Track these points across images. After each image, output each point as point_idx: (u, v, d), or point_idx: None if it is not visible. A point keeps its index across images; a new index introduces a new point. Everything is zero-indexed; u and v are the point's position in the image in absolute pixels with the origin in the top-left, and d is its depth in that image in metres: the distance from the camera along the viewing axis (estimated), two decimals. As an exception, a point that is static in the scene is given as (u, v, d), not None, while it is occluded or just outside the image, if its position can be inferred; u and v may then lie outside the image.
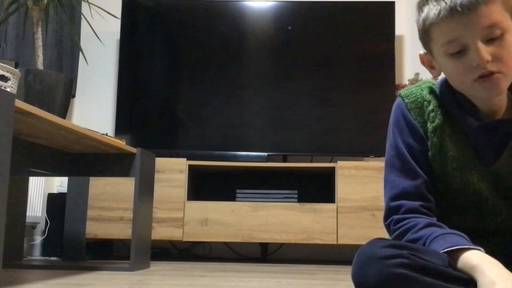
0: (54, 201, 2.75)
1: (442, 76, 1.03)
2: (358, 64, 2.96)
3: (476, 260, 0.85)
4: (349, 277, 0.89)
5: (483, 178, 1.01)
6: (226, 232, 2.60)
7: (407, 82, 3.02)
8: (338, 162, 2.64)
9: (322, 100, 2.94)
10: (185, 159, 2.68)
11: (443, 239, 0.90)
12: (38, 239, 2.86)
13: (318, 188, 2.93)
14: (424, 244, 0.92)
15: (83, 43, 2.77)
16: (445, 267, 0.85)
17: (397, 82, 2.96)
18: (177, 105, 2.99)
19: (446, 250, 0.87)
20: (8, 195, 1.31)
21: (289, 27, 2.99)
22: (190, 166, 2.68)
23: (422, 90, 1.05)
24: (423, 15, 0.96)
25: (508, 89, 0.99)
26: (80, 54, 2.34)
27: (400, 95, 1.08)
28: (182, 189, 2.64)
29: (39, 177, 2.82)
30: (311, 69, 2.98)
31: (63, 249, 2.50)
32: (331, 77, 2.96)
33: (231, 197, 2.71)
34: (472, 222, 1.03)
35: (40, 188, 2.85)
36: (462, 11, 0.89)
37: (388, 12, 2.96)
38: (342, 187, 2.60)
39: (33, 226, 2.88)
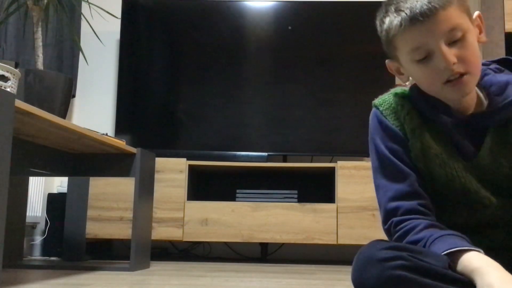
0: (54, 201, 2.75)
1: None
2: (358, 64, 2.95)
3: (476, 262, 0.85)
4: (349, 277, 0.90)
5: (467, 172, 1.02)
6: (226, 232, 2.60)
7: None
8: (338, 162, 2.64)
9: (322, 100, 2.94)
10: (185, 159, 2.68)
11: (443, 240, 0.90)
12: (38, 239, 2.86)
13: (318, 188, 2.93)
14: (424, 246, 0.92)
15: (83, 43, 2.77)
16: (445, 269, 0.85)
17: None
18: (177, 105, 2.99)
19: (446, 252, 0.88)
20: (8, 195, 1.31)
21: (289, 27, 2.99)
22: (190, 166, 2.68)
23: (394, 96, 1.09)
24: (385, 26, 1.00)
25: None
26: (80, 54, 2.34)
27: (374, 105, 1.11)
28: (182, 189, 2.64)
29: (39, 177, 2.82)
30: (311, 69, 2.97)
31: (63, 249, 2.50)
32: (331, 77, 2.96)
33: (231, 197, 2.71)
34: (464, 218, 1.04)
35: (40, 188, 2.85)
36: (423, 19, 0.92)
37: (388, 12, 2.95)
38: (342, 187, 2.60)
39: (33, 226, 2.88)
